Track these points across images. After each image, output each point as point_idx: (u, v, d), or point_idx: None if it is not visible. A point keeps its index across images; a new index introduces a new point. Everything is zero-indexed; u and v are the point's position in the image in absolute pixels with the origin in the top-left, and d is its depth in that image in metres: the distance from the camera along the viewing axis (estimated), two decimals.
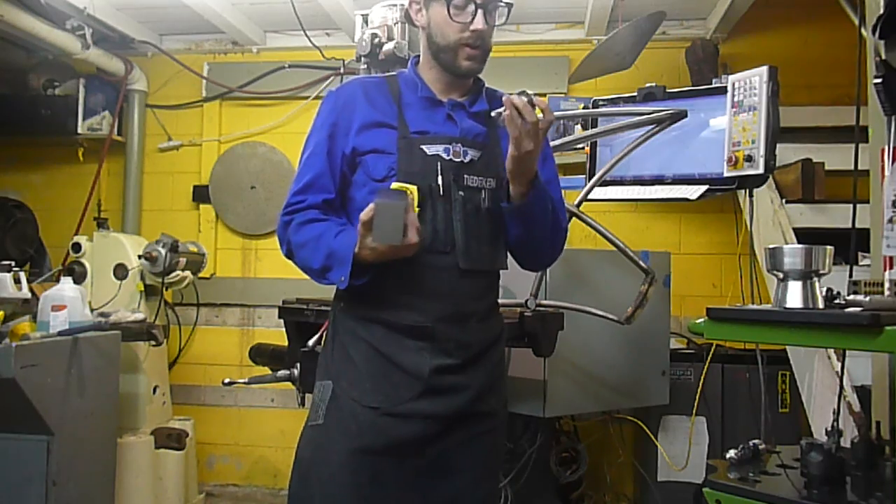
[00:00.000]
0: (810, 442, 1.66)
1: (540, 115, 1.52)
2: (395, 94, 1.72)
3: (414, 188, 1.58)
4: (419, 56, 1.78)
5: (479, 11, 1.62)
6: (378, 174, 1.64)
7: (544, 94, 3.85)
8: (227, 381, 2.44)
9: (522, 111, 1.51)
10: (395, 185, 1.57)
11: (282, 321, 2.49)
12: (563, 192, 1.80)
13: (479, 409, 1.65)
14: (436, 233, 1.62)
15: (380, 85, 1.75)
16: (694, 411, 3.12)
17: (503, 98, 1.55)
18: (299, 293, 2.63)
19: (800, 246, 1.62)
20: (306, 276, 1.67)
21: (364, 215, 1.48)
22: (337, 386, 1.65)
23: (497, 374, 1.73)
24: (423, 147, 1.65)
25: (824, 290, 1.60)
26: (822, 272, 1.59)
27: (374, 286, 1.60)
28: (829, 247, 1.60)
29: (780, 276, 1.62)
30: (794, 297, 1.58)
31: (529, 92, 1.53)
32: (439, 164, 1.64)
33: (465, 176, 1.65)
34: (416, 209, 1.56)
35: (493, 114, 1.60)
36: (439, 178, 1.63)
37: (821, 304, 1.57)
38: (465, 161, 1.66)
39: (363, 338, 1.64)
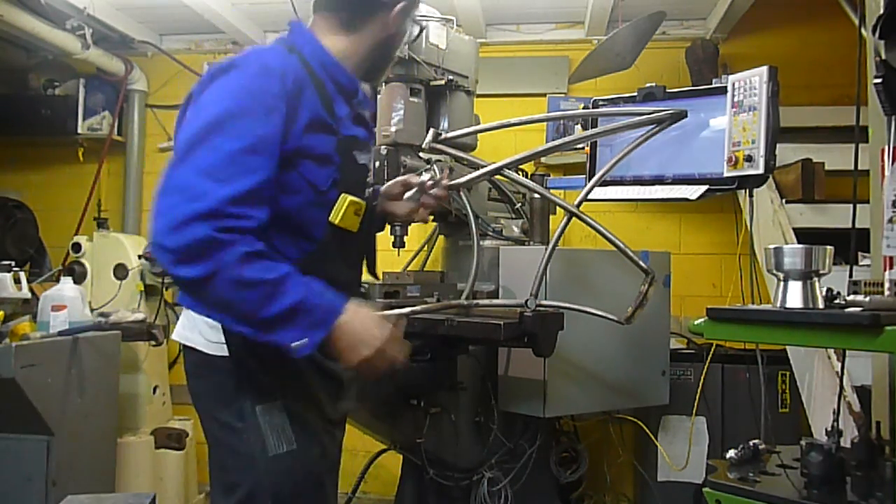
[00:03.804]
0: (810, 442, 1.66)
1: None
2: (316, 79, 1.47)
3: (364, 204, 1.52)
4: (311, 28, 1.54)
5: None
6: (321, 183, 1.46)
7: (544, 94, 3.85)
8: None
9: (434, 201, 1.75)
10: (349, 198, 1.48)
11: None
12: (560, 191, 1.86)
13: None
14: (359, 254, 1.65)
15: (298, 65, 1.47)
16: (694, 411, 3.12)
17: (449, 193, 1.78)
18: None
19: (800, 246, 1.62)
20: None
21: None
22: (288, 403, 1.47)
23: None
24: (356, 154, 1.53)
25: (824, 290, 1.60)
26: (822, 272, 1.59)
27: None
28: (829, 247, 1.60)
29: (781, 276, 1.62)
30: (795, 297, 1.58)
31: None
32: (369, 176, 1.59)
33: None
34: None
35: (428, 178, 1.74)
36: (367, 191, 1.58)
37: (821, 304, 1.57)
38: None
39: None
